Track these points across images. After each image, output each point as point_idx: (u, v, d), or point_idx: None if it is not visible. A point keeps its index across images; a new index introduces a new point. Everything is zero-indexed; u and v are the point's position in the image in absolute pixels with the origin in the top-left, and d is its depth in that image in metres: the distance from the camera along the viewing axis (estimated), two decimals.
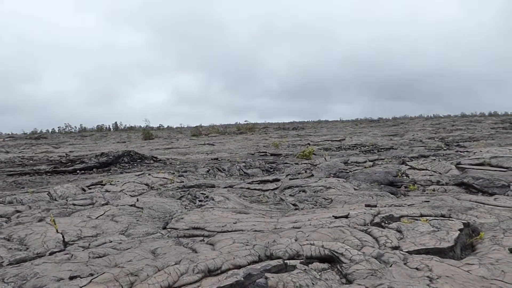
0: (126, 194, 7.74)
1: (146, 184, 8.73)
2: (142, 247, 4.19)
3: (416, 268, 3.08)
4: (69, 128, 56.18)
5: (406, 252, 3.48)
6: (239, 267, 3.20)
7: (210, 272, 3.12)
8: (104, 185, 8.80)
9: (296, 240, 3.75)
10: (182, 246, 4.22)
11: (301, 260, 3.31)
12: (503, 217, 4.64)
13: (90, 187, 8.81)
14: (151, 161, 14.80)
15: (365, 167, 10.36)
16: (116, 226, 5.26)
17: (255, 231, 4.47)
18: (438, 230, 4.00)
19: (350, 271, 3.07)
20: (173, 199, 7.13)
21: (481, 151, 11.73)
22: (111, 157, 14.21)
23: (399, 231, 4.08)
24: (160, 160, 15.33)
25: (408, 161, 10.59)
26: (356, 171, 9.76)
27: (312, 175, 9.50)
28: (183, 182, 9.19)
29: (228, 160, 14.22)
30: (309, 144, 21.65)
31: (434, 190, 7.22)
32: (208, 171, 11.04)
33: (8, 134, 46.96)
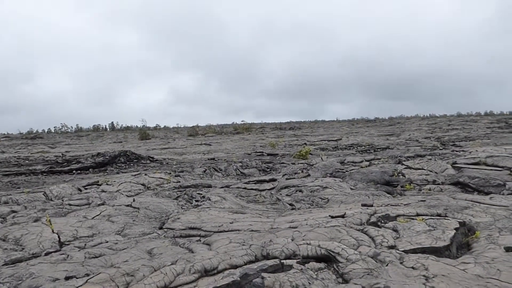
0: (123, 194, 7.72)
1: (143, 184, 8.72)
2: (138, 247, 4.18)
3: (412, 267, 3.08)
4: (65, 128, 56.04)
5: (402, 251, 3.48)
6: (235, 267, 3.19)
7: (207, 272, 3.11)
8: (100, 185, 8.78)
9: (292, 240, 3.74)
10: (179, 246, 4.21)
11: (298, 260, 3.31)
12: (498, 216, 4.65)
13: (86, 187, 8.79)
14: (148, 161, 14.78)
15: (362, 167, 10.38)
16: (112, 226, 5.25)
17: (252, 231, 4.47)
18: (434, 229, 4.01)
19: (346, 271, 3.07)
20: (170, 199, 7.11)
21: (477, 151, 11.77)
22: (107, 157, 14.17)
23: (395, 231, 4.08)
24: (157, 160, 15.30)
25: (404, 161, 10.61)
26: (353, 170, 9.77)
27: (309, 175, 9.50)
28: (179, 182, 9.18)
29: (225, 160, 14.21)
30: (305, 144, 21.67)
31: (430, 190, 7.24)
32: (204, 171, 11.02)
33: (4, 134, 46.79)
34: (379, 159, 11.94)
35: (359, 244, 3.60)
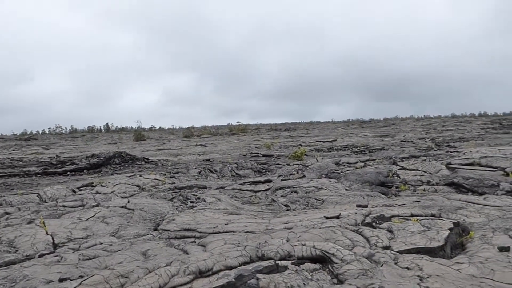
0: (117, 196, 7.69)
1: (137, 186, 8.69)
2: (132, 248, 4.17)
3: (407, 268, 3.09)
4: (60, 129, 55.84)
5: (397, 251, 3.49)
6: (230, 268, 3.19)
7: (201, 273, 3.10)
8: (94, 186, 8.74)
9: (287, 241, 3.74)
10: (173, 247, 4.20)
11: (293, 261, 3.31)
12: (492, 216, 4.67)
13: (81, 188, 8.76)
14: (143, 162, 14.74)
15: (357, 168, 10.40)
16: (106, 227, 5.23)
17: (247, 232, 4.46)
18: (429, 230, 4.02)
19: (341, 271, 3.07)
20: (165, 201, 7.10)
21: (471, 151, 11.83)
22: (102, 158, 14.12)
23: (390, 231, 4.09)
24: (152, 161, 15.26)
25: (399, 162, 10.64)
26: (348, 171, 9.79)
27: (304, 176, 9.51)
28: (174, 183, 9.16)
29: (220, 161, 14.19)
30: (300, 145, 21.69)
31: (424, 190, 7.26)
32: (199, 172, 11.01)
33: None
34: (374, 160, 11.97)
35: (354, 244, 3.61)
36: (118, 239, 4.73)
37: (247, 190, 8.04)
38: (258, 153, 17.23)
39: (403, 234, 3.96)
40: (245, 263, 3.30)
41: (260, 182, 8.87)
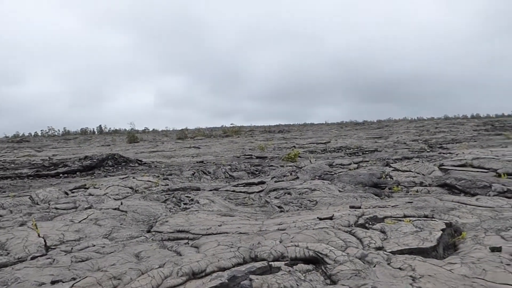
0: (110, 198, 7.66)
1: (131, 188, 8.66)
2: (125, 250, 4.15)
3: (400, 268, 3.10)
4: (53, 131, 55.54)
5: (390, 252, 3.50)
6: (223, 269, 3.18)
7: (195, 275, 3.10)
8: (87, 188, 8.70)
9: (280, 242, 3.75)
10: (167, 249, 4.19)
11: (286, 262, 3.31)
12: (484, 217, 4.71)
13: (73, 190, 8.71)
14: (136, 164, 14.69)
15: (350, 169, 10.43)
16: (99, 230, 5.20)
17: (240, 233, 4.46)
18: (421, 231, 4.04)
19: (334, 272, 3.08)
20: (158, 202, 7.08)
21: (463, 153, 11.90)
22: (95, 160, 14.06)
23: (383, 232, 4.11)
24: (145, 163, 15.22)
25: (392, 163, 10.69)
26: (341, 173, 9.82)
27: (297, 178, 9.52)
28: (168, 185, 9.14)
29: (214, 163, 14.18)
30: (294, 146, 21.73)
31: (417, 191, 7.30)
32: (193, 174, 10.99)
33: None
34: (367, 161, 12.02)
35: (347, 245, 3.62)
36: (111, 241, 4.71)
37: (240, 192, 8.04)
38: (252, 155, 17.24)
39: (396, 235, 3.98)
40: (238, 264, 3.30)
41: (253, 183, 8.87)
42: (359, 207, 5.32)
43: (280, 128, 52.82)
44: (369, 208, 5.30)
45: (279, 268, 3.13)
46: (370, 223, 4.45)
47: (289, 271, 3.09)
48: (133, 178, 9.53)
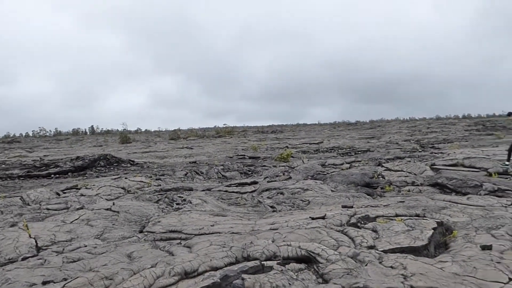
0: (102, 198, 7.62)
1: (123, 188, 8.62)
2: (117, 251, 4.13)
3: (391, 267, 3.12)
4: (44, 131, 55.16)
5: (382, 251, 3.52)
6: (216, 269, 3.18)
7: (187, 275, 3.09)
8: (79, 189, 8.65)
9: (273, 241, 3.75)
10: (159, 249, 4.18)
11: (278, 261, 3.31)
12: (475, 216, 4.74)
13: (65, 191, 8.65)
14: (128, 165, 14.63)
15: (342, 169, 10.47)
16: (91, 230, 5.17)
17: (233, 233, 4.46)
18: (413, 229, 4.06)
19: (326, 271, 3.09)
20: (150, 203, 7.05)
21: (454, 153, 11.98)
22: (86, 161, 13.98)
23: (375, 231, 4.12)
24: (138, 163, 15.16)
25: (384, 163, 10.74)
26: (334, 173, 9.85)
27: (290, 178, 9.53)
28: (160, 185, 9.11)
29: (207, 163, 14.16)
30: (287, 147, 21.76)
31: (409, 191, 7.34)
32: (186, 174, 10.96)
33: None
34: (360, 161, 12.06)
35: (339, 244, 3.63)
36: (103, 242, 4.69)
37: (233, 192, 8.03)
38: (244, 155, 17.24)
39: (387, 233, 4.00)
40: (231, 263, 3.30)
41: (246, 183, 8.87)
42: (351, 207, 5.34)
43: (273, 129, 52.88)
44: (361, 207, 5.32)
45: (271, 268, 3.13)
46: (362, 222, 4.47)
47: (282, 270, 3.09)
48: (126, 178, 9.49)
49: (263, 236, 3.98)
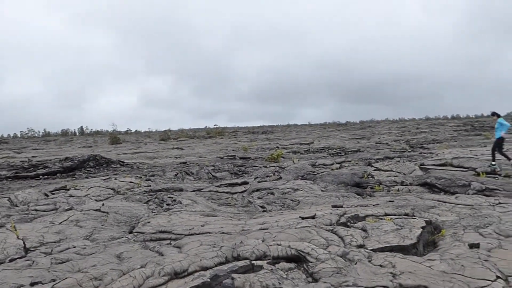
0: (91, 199, 7.56)
1: (112, 189, 8.56)
2: (107, 251, 4.11)
3: (380, 265, 3.14)
4: (32, 132, 54.61)
5: (371, 250, 3.53)
6: (206, 268, 3.17)
7: (177, 275, 3.08)
8: (68, 190, 8.58)
9: (263, 241, 3.75)
10: (149, 249, 4.16)
11: (268, 260, 3.32)
12: (463, 215, 4.80)
13: (54, 192, 8.57)
14: (118, 165, 14.54)
15: (332, 169, 10.50)
16: (80, 231, 5.13)
17: (223, 233, 4.45)
18: (402, 228, 4.09)
19: (316, 270, 3.10)
20: (140, 203, 7.02)
21: (443, 152, 12.09)
22: (76, 161, 13.86)
23: (364, 230, 4.14)
24: (127, 164, 15.07)
25: (374, 163, 10.80)
26: (324, 173, 9.88)
27: (280, 178, 9.55)
28: (150, 186, 9.06)
29: (197, 163, 14.12)
30: (278, 147, 21.78)
31: (398, 190, 7.39)
32: (176, 175, 10.93)
33: None
34: (350, 161, 12.12)
35: (329, 244, 3.64)
36: (92, 242, 4.65)
37: (223, 192, 8.02)
38: (235, 155, 17.22)
39: (377, 233, 4.02)
40: (221, 263, 3.29)
41: (237, 184, 8.86)
42: (341, 206, 5.36)
43: (264, 129, 52.92)
44: (351, 207, 5.35)
45: (261, 267, 3.13)
46: (352, 221, 4.49)
47: (271, 269, 3.10)
48: (115, 179, 9.43)
49: (253, 236, 3.98)
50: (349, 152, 16.34)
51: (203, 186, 9.05)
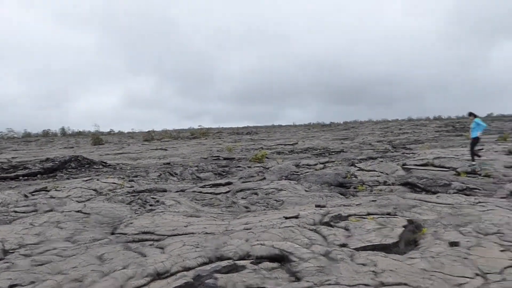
0: (73, 200, 7.46)
1: (94, 190, 8.46)
2: (88, 253, 4.05)
3: (362, 264, 3.16)
4: (12, 133, 53.67)
5: (353, 249, 3.56)
6: (188, 269, 3.16)
7: (159, 275, 3.06)
8: (48, 191, 8.44)
9: (246, 241, 3.75)
10: (131, 250, 4.11)
11: (251, 260, 3.32)
12: (444, 214, 4.86)
13: (34, 193, 8.43)
14: (100, 166, 14.37)
15: (316, 170, 10.56)
16: (61, 232, 5.05)
17: (206, 233, 4.44)
18: (384, 227, 4.13)
19: (299, 269, 3.11)
20: (123, 204, 6.94)
21: (425, 153, 12.25)
22: (57, 162, 13.66)
23: (347, 229, 4.18)
24: (110, 165, 14.91)
25: (357, 163, 10.90)
26: (307, 173, 9.93)
27: (264, 178, 9.56)
28: (133, 187, 8.98)
29: (181, 164, 14.05)
30: (262, 148, 21.81)
31: (381, 190, 7.46)
32: (159, 176, 10.85)
33: None
34: (333, 161, 12.20)
35: (312, 243, 3.66)
36: (73, 244, 4.58)
37: (207, 193, 7.99)
38: (219, 156, 17.18)
39: (359, 232, 4.06)
40: (204, 263, 3.28)
41: (220, 184, 8.84)
42: (325, 206, 5.39)
43: (248, 130, 52.95)
44: (334, 206, 5.39)
45: (244, 267, 3.13)
46: (335, 221, 4.52)
47: (255, 269, 3.10)
48: (97, 180, 9.32)
49: (237, 236, 3.98)
50: (333, 153, 16.45)
51: (186, 186, 9.01)
